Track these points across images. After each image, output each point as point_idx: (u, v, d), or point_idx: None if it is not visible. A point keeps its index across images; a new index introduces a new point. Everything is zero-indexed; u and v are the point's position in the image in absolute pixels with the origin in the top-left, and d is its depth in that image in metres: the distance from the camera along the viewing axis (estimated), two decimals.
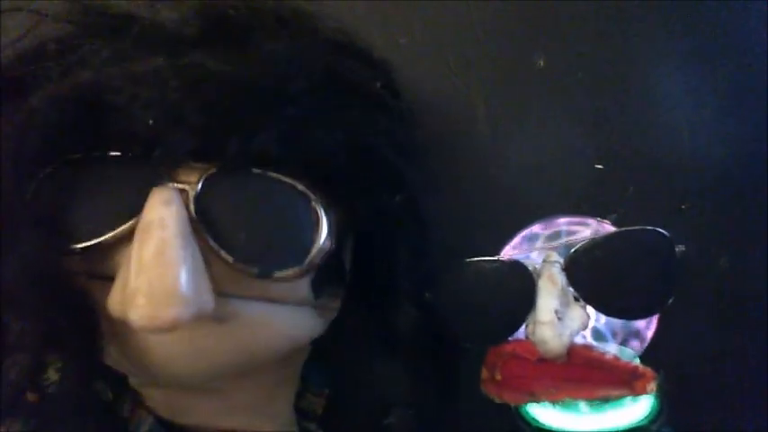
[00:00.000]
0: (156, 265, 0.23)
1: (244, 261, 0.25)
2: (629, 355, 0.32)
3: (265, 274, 0.25)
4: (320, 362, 0.36)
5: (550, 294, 0.29)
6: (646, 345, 0.32)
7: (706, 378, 0.39)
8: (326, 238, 0.26)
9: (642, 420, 0.29)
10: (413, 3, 0.38)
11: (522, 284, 0.30)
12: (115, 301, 0.24)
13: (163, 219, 0.23)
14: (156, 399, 0.30)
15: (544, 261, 0.30)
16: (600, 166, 0.39)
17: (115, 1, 0.28)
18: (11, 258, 0.24)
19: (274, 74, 0.25)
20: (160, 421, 0.30)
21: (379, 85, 0.30)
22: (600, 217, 0.33)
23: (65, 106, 0.24)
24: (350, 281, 0.32)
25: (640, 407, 0.30)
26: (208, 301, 0.24)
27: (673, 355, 0.37)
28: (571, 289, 0.30)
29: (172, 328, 0.23)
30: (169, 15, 0.28)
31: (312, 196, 0.26)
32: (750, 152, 0.38)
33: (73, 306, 0.25)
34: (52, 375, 0.27)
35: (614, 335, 0.32)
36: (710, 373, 0.39)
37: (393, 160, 0.29)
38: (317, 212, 0.26)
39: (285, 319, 0.28)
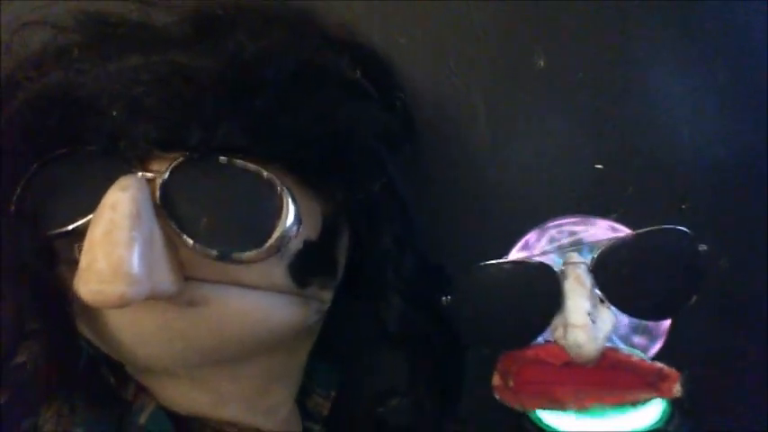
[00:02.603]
0: (104, 244, 0.23)
1: (203, 244, 0.26)
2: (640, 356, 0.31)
3: (224, 256, 0.26)
4: (327, 361, 0.36)
5: (581, 296, 0.28)
6: (660, 345, 0.32)
7: (706, 378, 0.39)
8: (292, 223, 0.27)
9: (655, 424, 0.28)
10: (413, 3, 0.38)
11: (546, 287, 0.29)
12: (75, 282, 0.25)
13: (115, 202, 0.24)
14: (152, 387, 0.30)
15: (567, 263, 0.29)
16: (600, 166, 0.39)
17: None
18: None
19: (241, 66, 0.26)
20: (163, 408, 0.30)
21: (358, 74, 0.30)
22: (599, 217, 0.33)
23: (39, 105, 0.26)
24: (344, 273, 0.32)
25: (650, 410, 0.29)
26: (164, 281, 0.25)
27: (673, 356, 0.37)
28: (597, 291, 0.29)
29: (119, 304, 0.23)
30: (162, 18, 0.29)
31: (278, 183, 0.26)
32: (750, 152, 0.38)
33: (49, 289, 0.26)
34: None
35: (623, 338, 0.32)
36: (710, 373, 0.39)
37: (372, 148, 0.30)
38: (281, 199, 0.26)
39: (260, 305, 0.28)
